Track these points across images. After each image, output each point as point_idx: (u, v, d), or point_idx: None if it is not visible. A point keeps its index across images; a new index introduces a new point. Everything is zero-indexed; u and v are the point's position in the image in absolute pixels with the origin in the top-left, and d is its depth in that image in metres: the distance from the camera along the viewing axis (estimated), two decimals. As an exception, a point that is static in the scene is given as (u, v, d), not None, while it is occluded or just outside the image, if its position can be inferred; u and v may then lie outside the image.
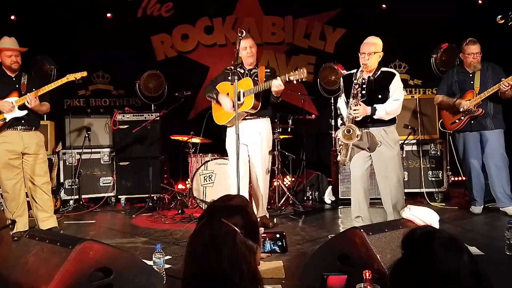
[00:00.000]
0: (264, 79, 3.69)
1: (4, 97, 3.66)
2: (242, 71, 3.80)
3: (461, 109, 4.04)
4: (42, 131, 3.99)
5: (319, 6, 6.14)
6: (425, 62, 5.45)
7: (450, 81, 4.25)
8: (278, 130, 4.85)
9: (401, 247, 1.09)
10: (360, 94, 3.22)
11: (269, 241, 1.48)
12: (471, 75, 4.13)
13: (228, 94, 3.74)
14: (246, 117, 3.75)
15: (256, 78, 3.73)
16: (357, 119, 3.22)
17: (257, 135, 3.78)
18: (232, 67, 3.49)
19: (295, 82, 3.43)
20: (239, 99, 3.43)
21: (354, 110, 3.21)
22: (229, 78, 3.55)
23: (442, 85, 4.34)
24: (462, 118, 4.11)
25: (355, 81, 3.23)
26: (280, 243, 1.48)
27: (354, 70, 3.40)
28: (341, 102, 3.53)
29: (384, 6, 5.99)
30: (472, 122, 4.09)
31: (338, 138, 3.39)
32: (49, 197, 3.85)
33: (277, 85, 3.46)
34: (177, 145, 5.26)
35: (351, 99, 3.23)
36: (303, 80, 3.39)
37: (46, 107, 3.89)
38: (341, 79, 3.57)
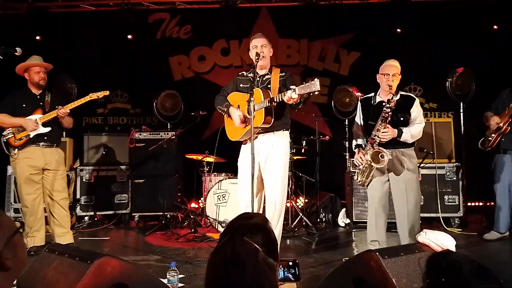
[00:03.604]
0: (279, 85, 3.24)
1: (28, 114, 3.78)
2: (252, 75, 3.24)
3: (492, 122, 4.02)
4: (61, 147, 4.09)
5: (334, 30, 6.25)
6: (441, 86, 5.45)
7: (499, 100, 4.22)
8: (292, 151, 4.87)
9: (426, 275, 1.06)
10: (389, 118, 3.18)
11: (282, 268, 1.47)
12: None
13: (238, 106, 3.27)
14: (260, 133, 3.26)
15: (268, 86, 3.26)
16: (384, 141, 3.19)
17: (270, 153, 3.25)
18: (245, 72, 3.36)
19: (306, 95, 2.87)
20: (250, 114, 3.00)
21: (384, 132, 3.17)
22: (241, 86, 3.36)
23: (493, 104, 4.30)
24: (493, 135, 4.07)
25: (387, 105, 3.17)
26: (293, 271, 1.47)
27: (372, 94, 3.42)
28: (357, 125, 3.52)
29: (399, 30, 6.05)
30: (503, 140, 4.04)
31: (364, 159, 3.27)
32: (66, 212, 3.92)
33: (287, 99, 2.96)
34: (192, 163, 5.32)
35: (379, 122, 3.19)
36: (315, 93, 2.82)
37: (72, 120, 4.02)
38: (359, 102, 3.55)
